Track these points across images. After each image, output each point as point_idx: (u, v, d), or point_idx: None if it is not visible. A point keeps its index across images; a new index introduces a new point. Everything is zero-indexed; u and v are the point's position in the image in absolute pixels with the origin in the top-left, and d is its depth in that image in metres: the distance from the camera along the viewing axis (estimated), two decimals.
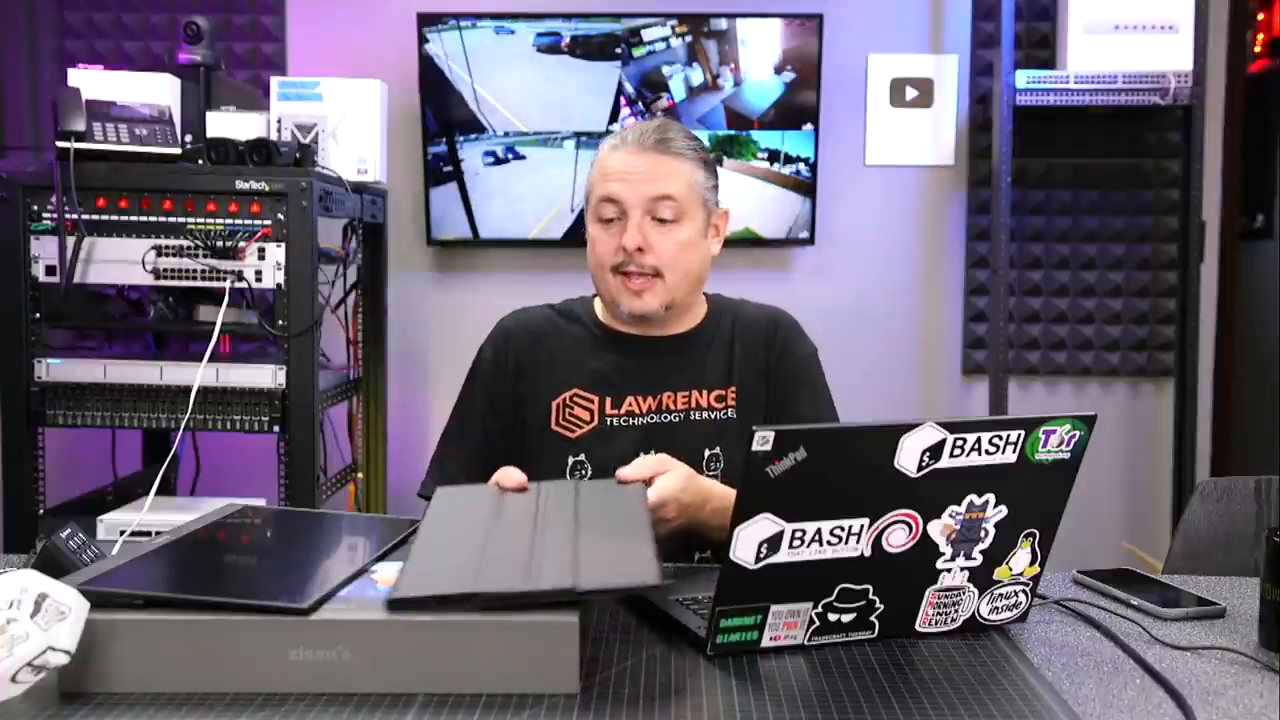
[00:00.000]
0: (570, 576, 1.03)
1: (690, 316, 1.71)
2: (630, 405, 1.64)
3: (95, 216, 2.38)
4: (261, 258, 2.37)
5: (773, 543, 1.10)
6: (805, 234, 3.23)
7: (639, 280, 1.61)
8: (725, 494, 1.45)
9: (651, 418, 1.64)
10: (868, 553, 1.14)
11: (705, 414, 1.65)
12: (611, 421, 1.64)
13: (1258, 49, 4.08)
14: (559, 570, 1.06)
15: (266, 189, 2.37)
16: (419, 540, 1.20)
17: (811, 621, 1.16)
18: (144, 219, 2.38)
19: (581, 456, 1.63)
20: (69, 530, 1.39)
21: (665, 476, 1.39)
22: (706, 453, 1.63)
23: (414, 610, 1.02)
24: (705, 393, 1.65)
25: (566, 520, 1.21)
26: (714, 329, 1.71)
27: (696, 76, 3.16)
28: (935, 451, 1.12)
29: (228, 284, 2.36)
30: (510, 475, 1.40)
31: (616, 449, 1.62)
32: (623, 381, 1.65)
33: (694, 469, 1.60)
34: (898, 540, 1.15)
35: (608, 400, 1.64)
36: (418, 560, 1.13)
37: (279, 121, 2.65)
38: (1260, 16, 4.08)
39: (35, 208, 2.38)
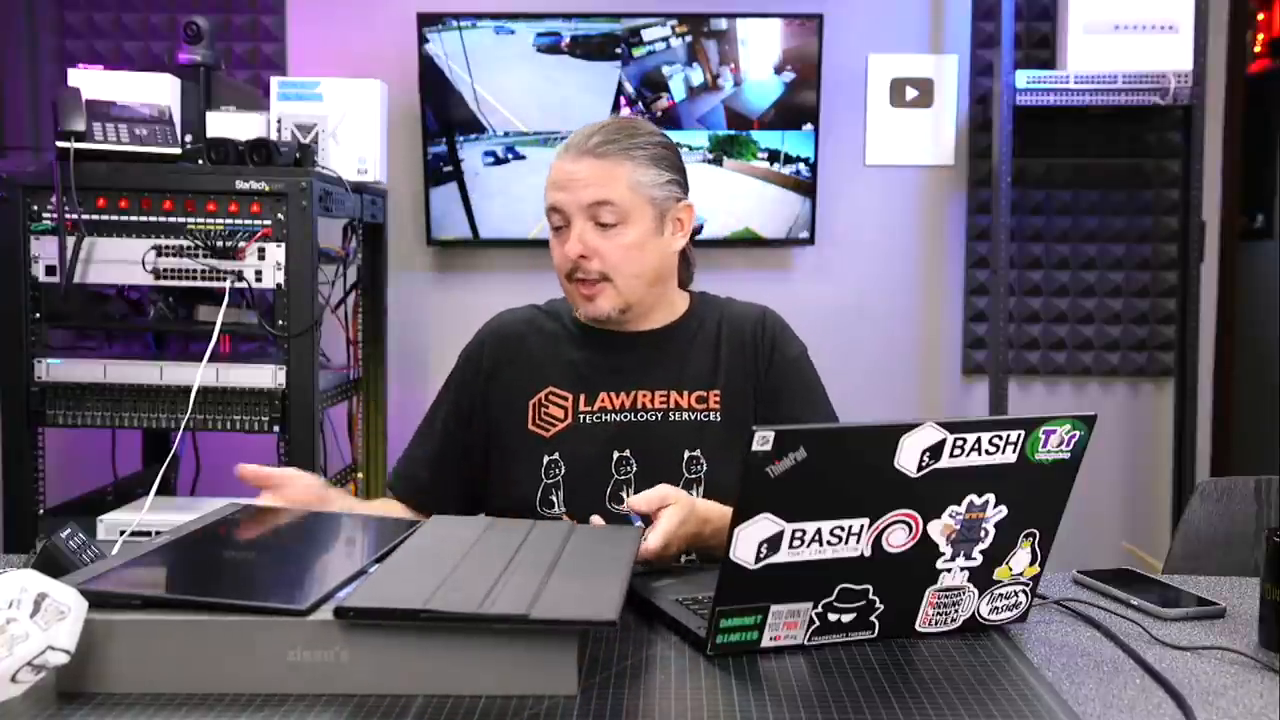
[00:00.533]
0: (526, 604, 1.02)
1: (665, 312, 1.69)
2: (603, 401, 1.63)
3: (95, 216, 2.38)
4: (261, 258, 2.37)
5: (773, 543, 1.10)
6: (805, 234, 3.23)
7: (587, 286, 1.61)
8: (723, 514, 1.41)
9: (625, 415, 1.63)
10: (868, 553, 1.14)
11: (685, 415, 1.63)
12: (585, 419, 1.62)
13: (1258, 49, 4.08)
14: (518, 597, 1.04)
15: (266, 189, 2.37)
16: (394, 556, 1.19)
17: (811, 621, 1.16)
18: (144, 219, 2.38)
19: (556, 455, 1.61)
20: (69, 530, 1.39)
21: (667, 514, 1.37)
22: (686, 454, 1.61)
23: (361, 621, 1.02)
24: (685, 393, 1.63)
25: (547, 554, 1.20)
26: (695, 326, 1.70)
27: (696, 76, 3.16)
28: (935, 451, 1.12)
29: (228, 284, 2.36)
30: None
31: (591, 446, 1.61)
32: (596, 377, 1.64)
33: (673, 470, 1.60)
34: (898, 540, 1.15)
35: (581, 397, 1.63)
36: (382, 573, 1.13)
37: (279, 121, 2.65)
38: (1260, 16, 4.08)
39: (35, 208, 2.38)
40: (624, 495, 1.59)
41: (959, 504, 1.15)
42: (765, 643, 1.15)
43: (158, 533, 2.31)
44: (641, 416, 1.63)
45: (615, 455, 1.61)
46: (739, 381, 1.65)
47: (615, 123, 1.65)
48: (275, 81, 2.69)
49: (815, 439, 1.08)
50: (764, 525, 1.09)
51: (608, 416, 1.63)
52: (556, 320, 1.72)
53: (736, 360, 1.67)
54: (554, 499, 1.61)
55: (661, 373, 1.64)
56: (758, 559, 1.10)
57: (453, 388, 1.71)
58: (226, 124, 2.53)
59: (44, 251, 2.38)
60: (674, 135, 3.16)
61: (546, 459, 1.61)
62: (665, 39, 3.15)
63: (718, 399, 1.64)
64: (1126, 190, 3.30)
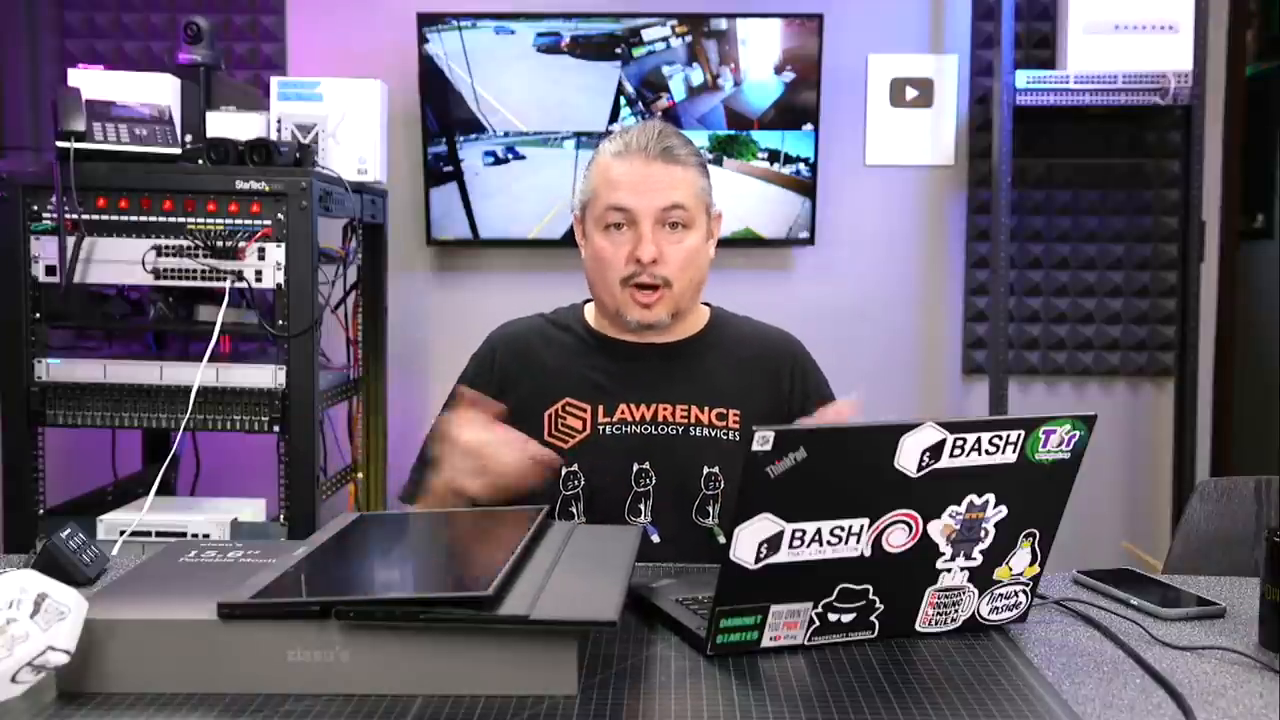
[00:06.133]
0: (527, 605, 1.02)
1: (688, 324, 1.69)
2: (623, 413, 1.62)
3: (95, 216, 2.37)
4: (261, 258, 2.37)
5: (773, 543, 1.10)
6: (805, 234, 3.23)
7: (648, 293, 1.59)
8: None
9: (646, 427, 1.61)
10: (868, 553, 1.14)
11: (705, 431, 1.62)
12: (604, 430, 1.61)
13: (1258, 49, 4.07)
14: (518, 598, 1.04)
15: (266, 189, 2.37)
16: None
17: (811, 621, 1.16)
18: (144, 219, 2.38)
19: (575, 467, 1.60)
20: (69, 530, 1.39)
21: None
22: (705, 470, 1.60)
23: (361, 621, 1.02)
24: (706, 409, 1.62)
25: (548, 555, 1.20)
26: (713, 341, 1.69)
27: (696, 76, 3.16)
28: (935, 451, 1.12)
29: (228, 284, 2.36)
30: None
31: (610, 458, 1.60)
32: (615, 389, 1.63)
33: (692, 485, 1.59)
34: (898, 540, 1.15)
35: (600, 408, 1.62)
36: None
37: (279, 121, 2.65)
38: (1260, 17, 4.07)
39: (35, 208, 2.38)
40: (641, 508, 1.59)
41: (959, 504, 1.16)
42: (765, 643, 1.15)
43: (158, 533, 2.33)
44: (663, 430, 1.61)
45: (635, 468, 1.60)
46: (762, 406, 1.64)
47: (665, 127, 1.64)
48: (275, 81, 2.69)
49: (815, 439, 1.08)
50: (764, 525, 1.09)
51: (628, 428, 1.61)
52: (567, 330, 1.71)
53: (761, 385, 1.66)
54: (573, 510, 1.60)
55: (683, 386, 1.63)
56: (758, 559, 1.10)
57: (459, 403, 1.68)
58: (226, 124, 2.53)
59: (44, 251, 2.38)
60: None
61: (565, 470, 1.60)
62: (665, 39, 3.15)
63: (737, 419, 1.63)
64: (1126, 190, 3.30)
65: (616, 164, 1.60)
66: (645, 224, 1.57)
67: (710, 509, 1.60)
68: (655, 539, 1.57)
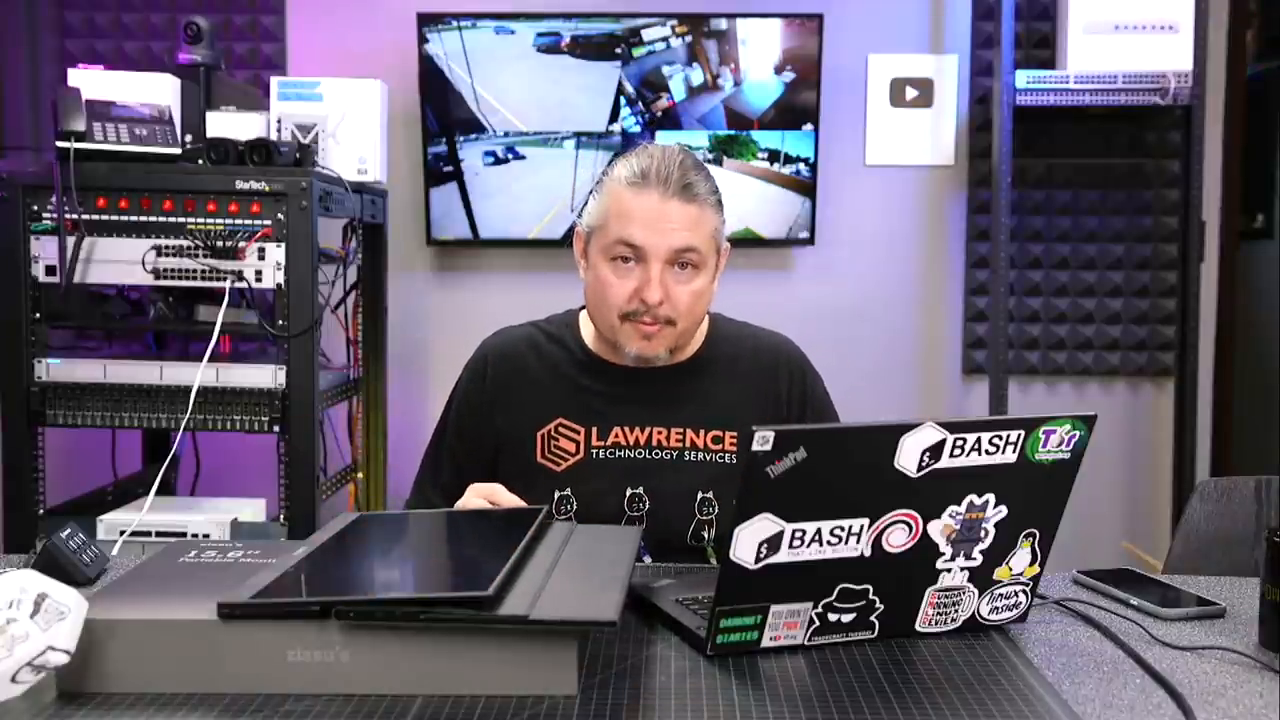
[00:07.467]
0: (527, 605, 1.02)
1: (687, 346, 1.65)
2: (617, 437, 1.58)
3: (95, 216, 2.37)
4: (261, 258, 2.37)
5: (773, 543, 1.10)
6: (805, 234, 3.23)
7: (650, 327, 1.54)
8: None
9: (640, 452, 1.58)
10: (868, 553, 1.14)
11: (701, 455, 1.58)
12: (597, 454, 1.58)
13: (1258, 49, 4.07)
14: (518, 598, 1.04)
15: (266, 189, 2.37)
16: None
17: (811, 621, 1.16)
18: (144, 219, 2.38)
19: (567, 490, 1.57)
20: (69, 530, 1.39)
21: None
22: (700, 495, 1.57)
23: (361, 621, 1.02)
24: (702, 433, 1.59)
25: (548, 555, 1.19)
26: (710, 360, 1.65)
27: (696, 76, 3.16)
28: (935, 451, 1.12)
29: (228, 284, 2.36)
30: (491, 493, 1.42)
31: (603, 483, 1.57)
32: (610, 412, 1.59)
33: (685, 510, 1.56)
34: (898, 540, 1.15)
35: (593, 431, 1.58)
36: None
37: (279, 121, 2.65)
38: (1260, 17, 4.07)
39: (35, 208, 2.38)
40: None
41: (959, 504, 1.16)
42: (765, 643, 1.15)
43: (158, 533, 2.33)
44: (657, 455, 1.58)
45: (629, 492, 1.57)
46: (759, 417, 1.60)
47: (685, 158, 1.54)
48: (275, 81, 2.69)
49: (815, 439, 1.08)
50: (764, 525, 1.09)
51: (621, 452, 1.58)
52: (560, 344, 1.66)
53: (758, 396, 1.64)
54: None
55: (679, 410, 1.60)
56: (758, 559, 1.10)
57: (455, 418, 1.67)
58: (226, 124, 2.53)
59: (44, 251, 2.38)
60: (674, 136, 3.18)
61: (558, 494, 1.57)
62: (665, 39, 3.15)
63: (734, 440, 1.59)
64: (1126, 190, 3.30)
65: (632, 195, 1.51)
66: (655, 265, 1.51)
67: (705, 533, 1.58)
68: (647, 560, 1.56)
